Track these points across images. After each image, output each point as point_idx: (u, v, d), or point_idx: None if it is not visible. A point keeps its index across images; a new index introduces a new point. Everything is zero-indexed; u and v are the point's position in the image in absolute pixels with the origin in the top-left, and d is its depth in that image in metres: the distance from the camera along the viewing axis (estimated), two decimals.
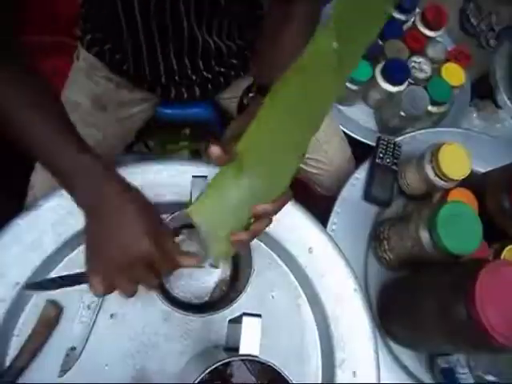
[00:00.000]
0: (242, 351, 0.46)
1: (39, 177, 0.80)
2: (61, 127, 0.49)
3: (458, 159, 0.74)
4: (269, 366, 0.46)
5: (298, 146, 0.45)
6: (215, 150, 0.43)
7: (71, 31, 0.84)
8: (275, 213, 0.46)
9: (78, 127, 0.79)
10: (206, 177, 0.55)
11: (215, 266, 0.67)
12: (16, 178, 0.81)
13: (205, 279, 0.67)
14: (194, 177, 0.55)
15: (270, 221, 0.48)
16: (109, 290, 0.47)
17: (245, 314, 0.47)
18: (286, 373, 0.45)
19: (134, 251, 0.45)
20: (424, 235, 0.68)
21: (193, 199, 0.54)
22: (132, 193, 0.48)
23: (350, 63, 0.43)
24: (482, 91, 1.35)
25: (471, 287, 0.55)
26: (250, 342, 0.46)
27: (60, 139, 0.47)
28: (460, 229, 0.66)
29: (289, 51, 0.54)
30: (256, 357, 0.45)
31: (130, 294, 0.47)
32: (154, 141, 1.09)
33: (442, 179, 0.75)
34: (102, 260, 0.46)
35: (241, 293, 0.56)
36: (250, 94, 0.54)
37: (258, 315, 0.47)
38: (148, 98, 0.84)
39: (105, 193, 0.46)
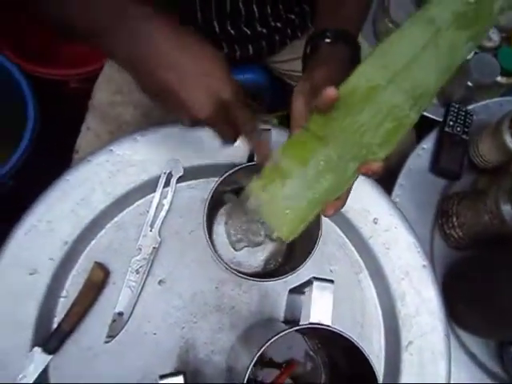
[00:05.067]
0: (312, 319, 0.40)
1: (84, 141, 0.78)
2: None
3: None
4: (339, 337, 0.41)
5: (421, 97, 0.39)
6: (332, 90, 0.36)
7: None
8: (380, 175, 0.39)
9: (125, 91, 0.77)
10: (269, 130, 0.50)
11: (272, 239, 0.62)
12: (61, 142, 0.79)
13: (259, 249, 0.62)
14: None
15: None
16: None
17: (315, 278, 0.42)
18: (363, 347, 0.40)
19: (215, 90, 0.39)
20: (505, 208, 0.61)
21: (255, 156, 0.49)
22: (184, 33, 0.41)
23: (484, 21, 0.38)
24: None
25: None
26: (321, 310, 0.41)
27: None
28: None
29: None
30: (329, 326, 0.40)
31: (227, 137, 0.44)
32: None
33: None
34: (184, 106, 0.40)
35: (306, 258, 0.50)
36: (327, 40, 0.47)
37: (330, 280, 0.42)
38: None
39: (150, 33, 0.39)
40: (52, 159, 0.80)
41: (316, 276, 0.42)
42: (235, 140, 0.45)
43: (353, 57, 0.47)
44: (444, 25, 0.38)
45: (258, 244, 0.60)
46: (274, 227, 0.43)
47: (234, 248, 0.61)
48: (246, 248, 0.62)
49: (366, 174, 0.39)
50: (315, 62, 0.46)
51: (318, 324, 0.40)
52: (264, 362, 0.54)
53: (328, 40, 0.47)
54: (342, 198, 0.42)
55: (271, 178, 0.42)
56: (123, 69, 0.42)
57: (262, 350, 0.40)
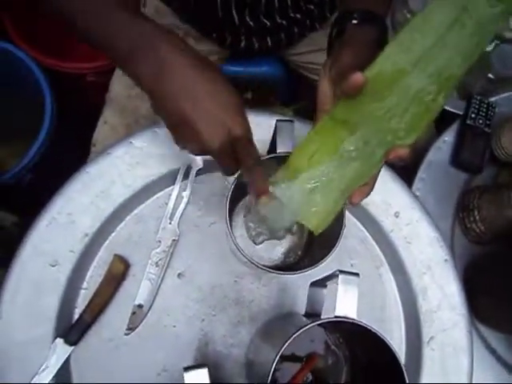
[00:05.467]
0: (337, 313, 0.40)
1: (101, 134, 0.78)
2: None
3: None
4: (365, 331, 0.40)
5: (447, 81, 0.37)
6: (359, 76, 0.36)
7: None
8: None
9: None
10: (292, 121, 0.50)
11: (291, 232, 0.62)
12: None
13: (278, 242, 0.61)
14: (278, 121, 0.49)
15: None
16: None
17: (340, 271, 0.41)
18: (390, 341, 0.39)
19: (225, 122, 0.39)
20: None
21: (278, 145, 0.49)
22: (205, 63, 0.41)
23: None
24: None
25: None
26: (347, 304, 0.40)
27: (111, 8, 0.40)
28: None
29: None
30: (355, 320, 0.39)
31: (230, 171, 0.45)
32: None
33: None
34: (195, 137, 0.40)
35: (325, 252, 0.49)
36: (354, 21, 0.46)
37: (356, 274, 0.41)
38: (215, 51, 0.79)
39: (175, 59, 0.39)
40: (70, 152, 0.80)
41: (341, 269, 0.41)
42: (234, 173, 0.46)
43: (380, 38, 0.46)
44: (471, 4, 0.37)
45: (279, 238, 0.60)
46: (302, 219, 0.42)
47: (253, 241, 0.61)
48: (265, 241, 0.61)
49: (392, 160, 0.38)
50: (341, 45, 0.45)
51: (345, 317, 0.40)
52: (285, 355, 0.54)
53: (355, 21, 0.46)
54: (369, 184, 0.41)
55: (297, 169, 0.41)
56: (140, 89, 0.42)
57: (287, 344, 0.40)
